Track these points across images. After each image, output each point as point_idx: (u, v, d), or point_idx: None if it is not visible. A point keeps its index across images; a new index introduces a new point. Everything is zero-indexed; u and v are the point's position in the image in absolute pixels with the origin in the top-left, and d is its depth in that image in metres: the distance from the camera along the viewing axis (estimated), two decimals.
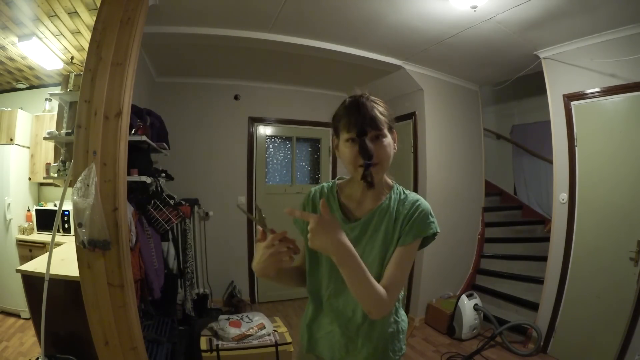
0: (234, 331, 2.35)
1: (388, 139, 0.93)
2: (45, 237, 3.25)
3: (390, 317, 1.03)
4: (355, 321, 1.00)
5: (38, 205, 3.62)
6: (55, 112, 3.25)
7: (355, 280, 0.84)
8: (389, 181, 1.04)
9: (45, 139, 2.91)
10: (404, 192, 1.01)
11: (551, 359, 2.71)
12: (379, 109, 0.92)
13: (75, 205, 1.59)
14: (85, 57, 2.02)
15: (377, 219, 0.97)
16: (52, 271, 1.84)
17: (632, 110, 2.43)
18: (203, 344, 2.29)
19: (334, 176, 4.05)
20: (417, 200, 0.97)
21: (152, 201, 2.52)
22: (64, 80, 3.03)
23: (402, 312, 1.09)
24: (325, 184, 1.09)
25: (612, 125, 2.55)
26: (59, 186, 3.43)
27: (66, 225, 3.32)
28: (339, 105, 0.97)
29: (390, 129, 0.94)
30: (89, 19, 2.44)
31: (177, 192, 3.19)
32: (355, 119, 0.89)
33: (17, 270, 2.14)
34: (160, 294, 2.35)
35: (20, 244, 3.30)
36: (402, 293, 1.06)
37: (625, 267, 2.38)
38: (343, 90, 4.22)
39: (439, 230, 0.94)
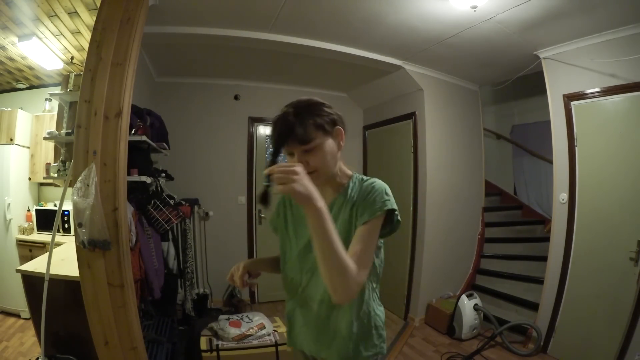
0: (234, 331, 2.35)
1: (322, 145, 0.94)
2: (45, 237, 3.25)
3: (360, 310, 1.01)
4: (321, 313, 1.01)
5: (38, 205, 3.62)
6: (55, 112, 3.25)
7: (326, 244, 0.81)
8: (348, 172, 1.05)
9: (45, 139, 2.91)
10: (362, 180, 1.02)
11: (551, 359, 2.71)
12: (306, 121, 0.92)
13: (75, 205, 1.59)
14: (85, 57, 2.01)
15: (335, 210, 1.00)
16: (52, 271, 1.84)
17: (632, 110, 2.43)
18: (203, 344, 2.29)
19: None
20: (372, 182, 0.99)
21: (152, 201, 2.52)
22: (64, 80, 3.03)
23: (375, 304, 1.05)
24: None
25: (612, 125, 2.55)
26: (59, 186, 3.43)
27: (66, 225, 3.32)
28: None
29: (326, 132, 0.95)
30: (89, 19, 2.44)
31: (177, 192, 3.20)
32: (277, 139, 0.92)
33: (17, 270, 2.14)
34: (160, 294, 2.35)
35: (20, 244, 3.30)
36: (376, 284, 1.06)
37: (625, 267, 2.38)
38: (343, 90, 4.22)
39: (394, 207, 0.93)
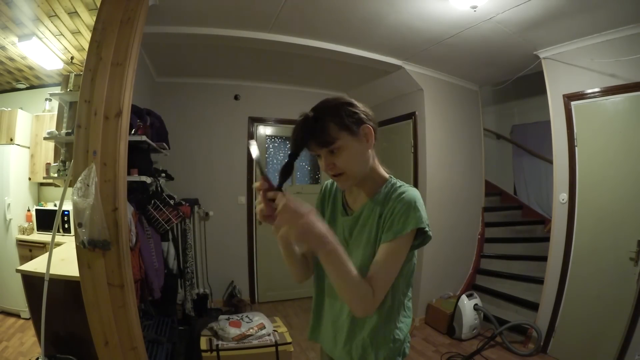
0: (234, 331, 2.35)
1: (347, 146, 0.89)
2: (45, 237, 3.25)
3: (381, 324, 0.95)
4: (342, 316, 0.99)
5: (38, 205, 3.62)
6: (55, 112, 3.25)
7: (332, 269, 0.82)
8: (384, 175, 1.00)
9: (45, 139, 2.91)
10: (395, 187, 0.95)
11: (551, 359, 2.71)
12: (327, 123, 0.87)
13: (75, 205, 1.59)
14: (85, 57, 2.01)
15: (365, 215, 0.96)
16: (52, 271, 1.84)
17: (632, 110, 2.43)
18: (203, 344, 2.29)
19: None
20: (402, 194, 0.91)
21: (152, 201, 2.51)
22: (64, 80, 3.03)
23: (398, 324, 0.97)
24: None
25: (612, 125, 2.55)
26: (59, 186, 3.43)
27: (66, 225, 3.32)
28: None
29: (352, 131, 0.90)
30: (89, 19, 2.44)
31: (177, 192, 3.19)
32: (295, 142, 0.87)
33: (17, 270, 2.14)
34: (160, 294, 2.35)
35: (20, 244, 3.30)
36: (404, 296, 0.99)
37: (625, 267, 2.38)
38: (343, 90, 4.22)
39: (422, 226, 0.87)
